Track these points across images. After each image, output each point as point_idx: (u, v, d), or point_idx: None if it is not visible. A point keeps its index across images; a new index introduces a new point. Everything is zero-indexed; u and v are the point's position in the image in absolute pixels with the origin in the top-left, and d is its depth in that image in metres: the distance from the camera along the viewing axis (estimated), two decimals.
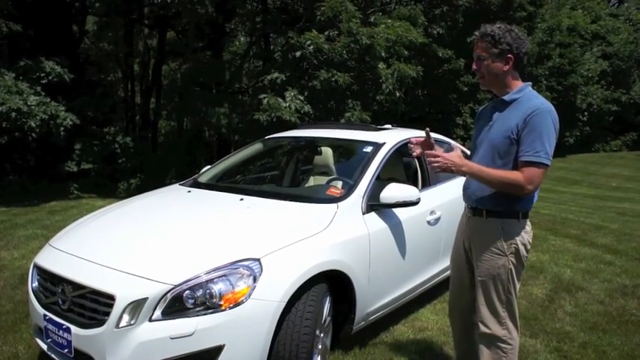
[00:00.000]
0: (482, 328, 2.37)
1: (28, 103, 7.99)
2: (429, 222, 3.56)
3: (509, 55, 2.23)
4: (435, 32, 12.56)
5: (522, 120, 2.18)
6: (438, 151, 2.38)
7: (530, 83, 2.35)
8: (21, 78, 8.34)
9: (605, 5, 31.73)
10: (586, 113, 26.67)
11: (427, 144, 2.51)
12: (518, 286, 2.36)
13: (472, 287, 2.51)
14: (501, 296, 2.32)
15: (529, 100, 2.23)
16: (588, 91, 25.82)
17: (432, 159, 2.25)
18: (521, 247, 2.30)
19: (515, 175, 2.18)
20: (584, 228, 7.20)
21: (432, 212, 3.59)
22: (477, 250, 2.39)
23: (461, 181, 4.20)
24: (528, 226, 2.35)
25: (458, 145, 2.39)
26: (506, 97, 2.29)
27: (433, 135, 4.38)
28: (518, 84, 2.30)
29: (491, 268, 2.31)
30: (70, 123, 8.62)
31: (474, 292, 2.50)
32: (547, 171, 2.21)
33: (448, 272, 4.08)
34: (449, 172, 2.28)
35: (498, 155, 2.26)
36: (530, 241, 2.36)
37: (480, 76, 2.32)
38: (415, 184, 3.73)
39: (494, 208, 2.31)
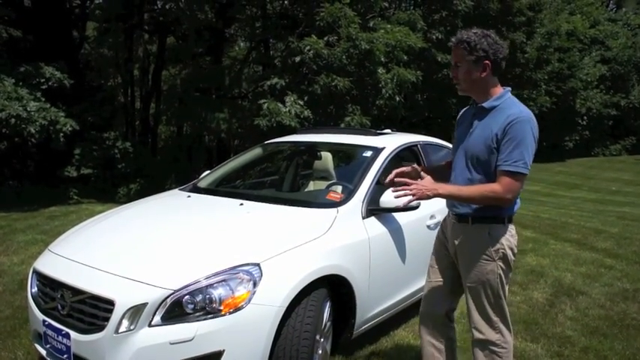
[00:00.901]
0: (476, 334, 2.35)
1: (28, 109, 7.98)
2: (428, 226, 3.56)
3: (486, 62, 2.21)
4: (434, 37, 12.60)
5: (502, 129, 2.17)
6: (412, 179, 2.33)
7: (510, 89, 2.33)
8: (21, 84, 8.33)
9: (604, 10, 31.88)
10: (585, 117, 26.75)
11: (412, 176, 2.45)
12: (507, 289, 2.36)
13: (451, 294, 2.51)
14: (491, 301, 2.31)
15: (509, 108, 2.22)
16: (587, 96, 25.89)
17: (406, 189, 2.21)
18: (509, 252, 2.31)
19: (492, 188, 2.19)
20: (585, 232, 7.19)
21: (431, 216, 3.58)
22: (465, 257, 2.36)
23: None
24: (514, 230, 2.36)
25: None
26: (485, 104, 2.27)
27: (432, 140, 4.40)
28: (498, 90, 2.29)
29: (481, 274, 2.30)
30: (70, 129, 8.62)
31: (452, 299, 2.52)
32: (526, 179, 2.22)
33: None
34: (426, 199, 2.26)
35: (478, 163, 2.26)
36: (516, 244, 2.38)
37: (457, 83, 2.31)
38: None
39: (479, 214, 2.30)
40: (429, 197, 2.25)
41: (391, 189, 3.08)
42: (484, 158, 2.23)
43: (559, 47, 22.17)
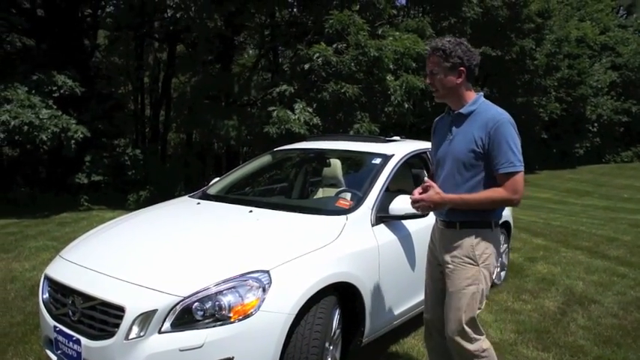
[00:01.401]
0: (455, 346, 2.33)
1: (40, 117, 8.09)
2: None
3: (461, 68, 2.28)
4: None
5: (485, 133, 2.23)
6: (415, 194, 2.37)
7: (482, 93, 2.40)
8: (33, 92, 8.45)
9: (614, 16, 31.69)
10: (596, 124, 26.57)
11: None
12: (484, 302, 2.37)
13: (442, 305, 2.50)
14: (468, 311, 2.29)
15: (486, 112, 2.28)
16: (598, 102, 25.73)
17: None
18: (494, 257, 2.35)
19: (498, 193, 2.24)
20: (596, 240, 7.12)
21: None
22: (449, 261, 2.38)
23: None
24: (500, 235, 2.41)
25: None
26: (463, 110, 2.33)
27: None
28: (472, 95, 2.34)
29: (463, 279, 2.32)
30: (81, 136, 8.71)
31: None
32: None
33: None
34: (432, 210, 2.37)
35: (464, 168, 2.30)
36: (500, 250, 2.42)
37: (434, 90, 2.36)
38: None
39: (467, 219, 2.33)
40: (436, 209, 2.33)
41: (401, 196, 3.10)
42: (470, 163, 2.29)
43: (569, 54, 22.09)
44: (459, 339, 2.31)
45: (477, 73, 2.37)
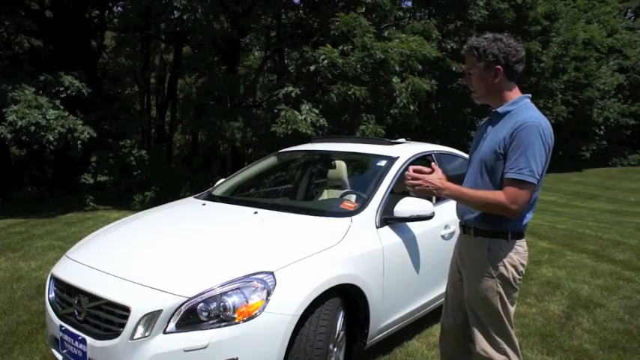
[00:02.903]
0: (481, 354, 2.23)
1: (47, 117, 8.14)
2: (443, 236, 3.54)
3: (498, 67, 2.13)
4: (448, 47, 12.59)
5: (509, 134, 2.08)
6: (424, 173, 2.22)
7: (529, 95, 2.24)
8: (40, 92, 8.51)
9: (622, 19, 31.53)
10: (603, 127, 26.41)
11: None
12: (512, 309, 2.21)
13: (459, 309, 2.41)
14: (492, 320, 2.19)
15: (521, 114, 2.12)
16: (605, 105, 25.58)
17: (412, 181, 2.18)
18: (511, 269, 2.16)
19: (496, 196, 2.08)
20: (602, 243, 7.08)
21: (446, 226, 3.56)
22: (465, 271, 2.29)
23: None
24: (521, 247, 2.19)
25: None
26: (499, 110, 2.20)
27: (447, 149, 4.38)
28: (513, 95, 2.20)
29: (480, 291, 2.19)
30: (88, 136, 8.77)
31: (461, 315, 2.39)
32: (534, 190, 2.08)
33: None
34: (428, 194, 2.21)
35: (486, 170, 2.18)
36: (524, 262, 2.20)
37: (472, 91, 2.25)
38: (429, 199, 3.71)
39: (481, 227, 2.20)
40: (432, 193, 2.20)
41: (406, 198, 3.09)
42: (490, 164, 2.15)
43: (575, 56, 21.99)
44: (486, 348, 2.20)
45: (521, 70, 2.19)
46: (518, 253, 2.19)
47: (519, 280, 2.21)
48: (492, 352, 2.20)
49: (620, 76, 26.43)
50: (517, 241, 2.19)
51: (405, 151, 3.74)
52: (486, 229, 2.19)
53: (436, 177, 2.18)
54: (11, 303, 4.09)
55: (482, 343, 2.22)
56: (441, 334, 2.57)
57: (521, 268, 2.20)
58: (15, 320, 3.73)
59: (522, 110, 2.14)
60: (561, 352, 3.41)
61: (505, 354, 2.20)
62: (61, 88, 8.84)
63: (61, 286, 2.69)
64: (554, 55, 19.07)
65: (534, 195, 2.13)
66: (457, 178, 2.65)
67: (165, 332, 2.25)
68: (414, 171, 2.21)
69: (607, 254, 6.36)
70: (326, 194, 4.07)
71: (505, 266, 2.16)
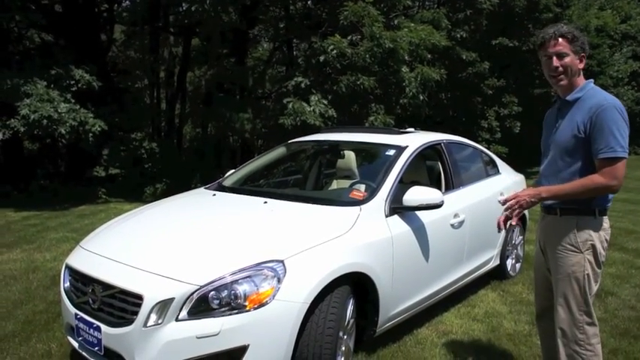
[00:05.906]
0: (560, 333, 2.29)
1: (59, 111, 8.22)
2: (452, 225, 3.54)
3: (583, 54, 2.31)
4: (458, 36, 12.47)
5: (588, 118, 2.20)
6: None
7: (592, 80, 2.36)
8: (52, 86, 8.59)
9: (636, 4, 30.93)
10: None
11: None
12: (595, 287, 2.29)
13: (547, 293, 2.47)
14: (578, 297, 2.25)
15: (592, 97, 2.25)
16: (618, 93, 25.15)
17: (509, 203, 2.28)
18: (598, 245, 2.27)
19: (594, 180, 2.18)
20: (614, 232, 6.98)
21: (455, 215, 3.56)
22: (552, 249, 2.35)
23: (484, 184, 4.15)
24: (606, 223, 2.32)
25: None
26: (569, 98, 2.32)
27: (456, 138, 4.37)
28: (581, 82, 2.34)
29: (567, 266, 2.28)
30: (99, 129, 8.85)
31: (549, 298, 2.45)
32: (625, 162, 2.20)
33: (472, 275, 4.07)
34: (530, 206, 2.31)
35: (567, 154, 2.28)
36: (608, 239, 2.32)
37: (559, 74, 2.30)
38: (438, 187, 3.72)
39: (568, 206, 2.29)
40: (533, 203, 2.28)
41: (415, 187, 3.10)
42: (572, 148, 2.26)
43: (588, 43, 21.66)
44: (564, 326, 2.27)
45: None
46: (604, 230, 2.31)
47: (604, 256, 2.32)
48: (572, 330, 2.26)
49: (634, 63, 25.97)
50: (603, 217, 2.31)
51: (414, 140, 3.73)
52: (573, 208, 2.29)
53: (527, 190, 2.31)
54: (27, 293, 4.17)
55: (563, 322, 2.29)
56: (536, 313, 2.65)
57: (605, 244, 2.32)
58: (32, 309, 3.81)
59: (594, 94, 2.27)
60: None
61: (584, 333, 2.26)
62: (72, 82, 8.91)
63: (76, 275, 2.74)
64: None
65: None
66: None
67: (177, 320, 2.29)
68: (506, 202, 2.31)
69: (619, 243, 6.32)
70: (335, 184, 4.08)
71: (593, 241, 2.27)
